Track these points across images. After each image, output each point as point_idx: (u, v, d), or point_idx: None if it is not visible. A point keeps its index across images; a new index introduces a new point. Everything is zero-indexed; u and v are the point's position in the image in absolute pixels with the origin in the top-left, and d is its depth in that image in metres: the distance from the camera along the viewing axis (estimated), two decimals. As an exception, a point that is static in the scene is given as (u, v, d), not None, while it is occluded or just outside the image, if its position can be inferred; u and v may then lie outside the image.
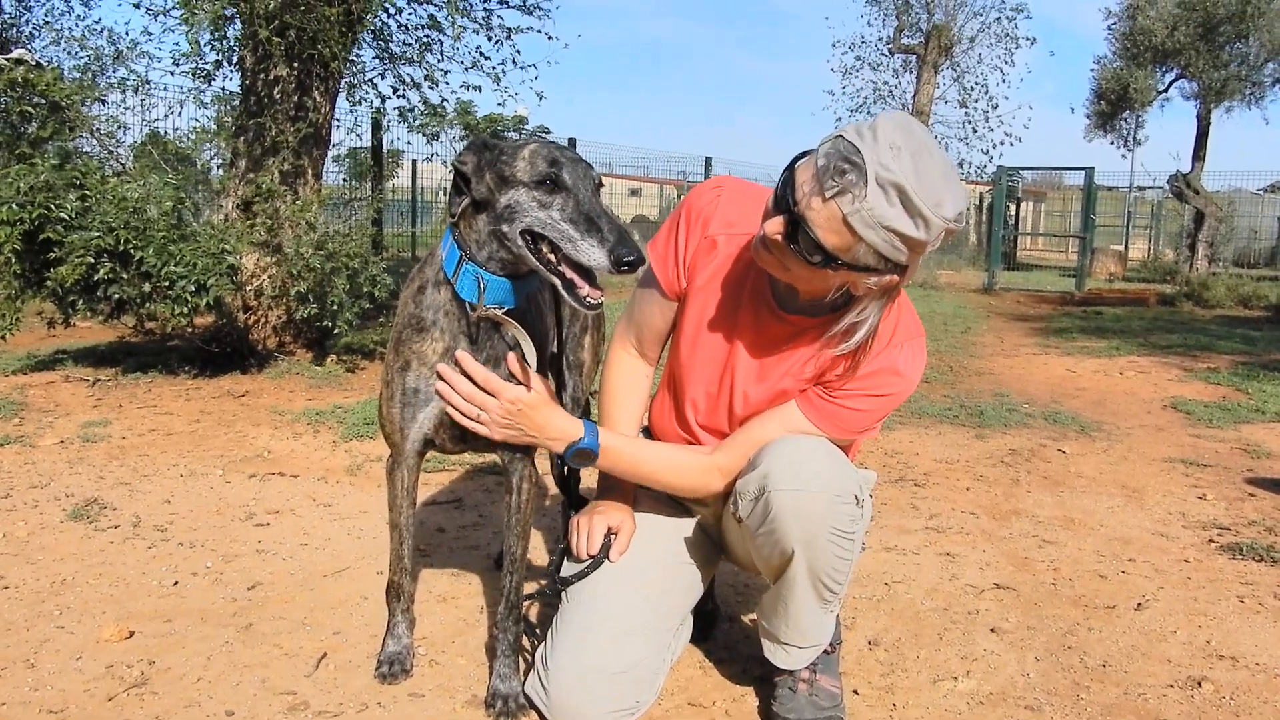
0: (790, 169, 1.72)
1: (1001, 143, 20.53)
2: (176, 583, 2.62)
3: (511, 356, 1.86)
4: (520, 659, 2.07)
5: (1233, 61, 18.11)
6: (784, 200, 1.70)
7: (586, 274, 1.67)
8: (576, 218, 1.64)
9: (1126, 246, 22.83)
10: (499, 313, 1.83)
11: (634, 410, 2.16)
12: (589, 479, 2.44)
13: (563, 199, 1.67)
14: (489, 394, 1.85)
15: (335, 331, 5.55)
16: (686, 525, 2.16)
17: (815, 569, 1.83)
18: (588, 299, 1.67)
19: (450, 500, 3.47)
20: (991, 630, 2.51)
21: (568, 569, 2.08)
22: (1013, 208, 19.89)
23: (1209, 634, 2.52)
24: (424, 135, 7.55)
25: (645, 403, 2.21)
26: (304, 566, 2.77)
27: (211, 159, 7.55)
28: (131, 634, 2.28)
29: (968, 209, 1.73)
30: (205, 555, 2.82)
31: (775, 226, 1.71)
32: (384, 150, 9.62)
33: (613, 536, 2.07)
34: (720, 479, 1.97)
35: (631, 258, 1.59)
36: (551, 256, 1.68)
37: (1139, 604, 2.71)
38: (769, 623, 1.98)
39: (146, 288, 4.87)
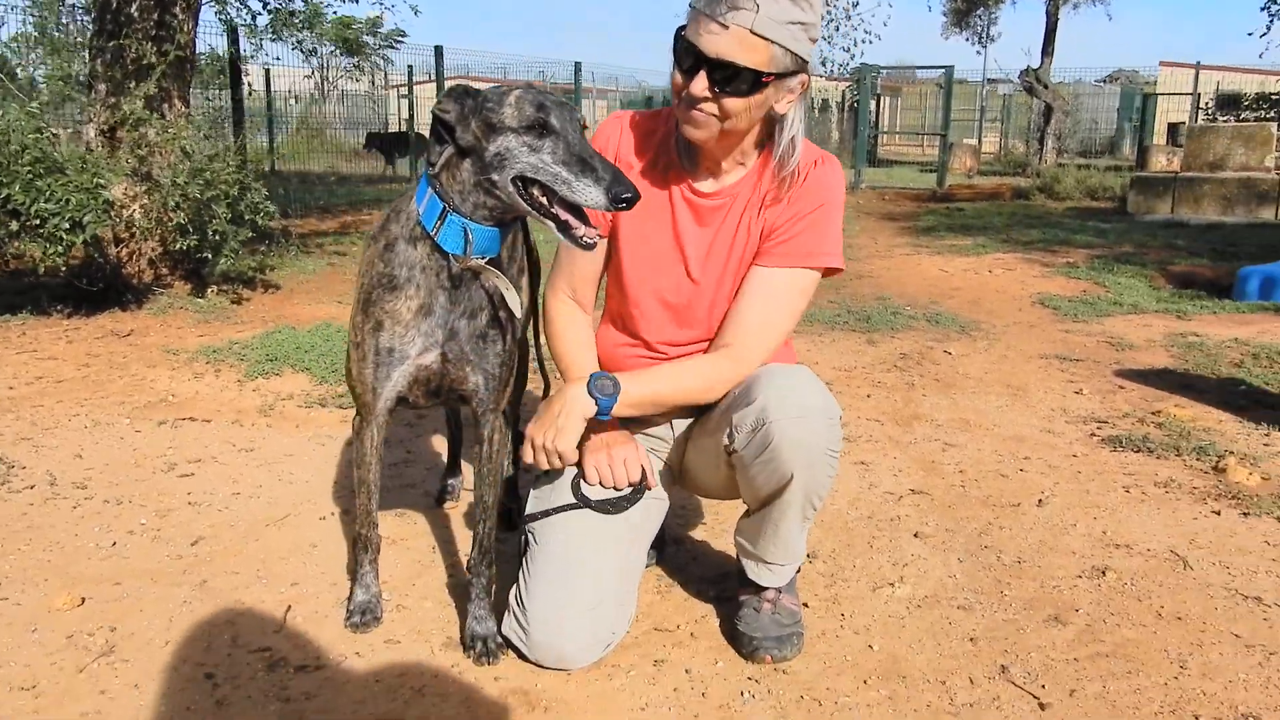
0: (678, 35, 1.87)
1: (862, 40, 20.84)
2: (115, 543, 2.56)
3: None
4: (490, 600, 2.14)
5: (1078, -43, 18.73)
6: (690, 55, 1.84)
7: (579, 214, 1.72)
8: (569, 160, 1.67)
9: (980, 141, 23.67)
10: (483, 263, 1.83)
11: (593, 351, 2.21)
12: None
13: (553, 142, 1.68)
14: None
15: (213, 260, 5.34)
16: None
17: (809, 490, 1.95)
18: (584, 238, 1.72)
19: (374, 437, 3.45)
20: (915, 535, 2.71)
21: (536, 502, 2.15)
22: (872, 104, 20.28)
23: (1104, 525, 2.78)
24: (291, 43, 7.19)
25: (594, 344, 2.26)
26: (243, 517, 2.75)
27: (34, 71, 6.99)
28: (83, 600, 2.24)
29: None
30: (137, 511, 2.76)
31: (699, 84, 1.85)
32: (241, 59, 9.07)
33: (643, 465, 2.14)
34: (731, 364, 2.04)
35: (628, 194, 1.64)
36: (543, 200, 1.71)
37: (1040, 500, 2.95)
38: (755, 545, 2.09)
39: (14, 226, 4.57)
